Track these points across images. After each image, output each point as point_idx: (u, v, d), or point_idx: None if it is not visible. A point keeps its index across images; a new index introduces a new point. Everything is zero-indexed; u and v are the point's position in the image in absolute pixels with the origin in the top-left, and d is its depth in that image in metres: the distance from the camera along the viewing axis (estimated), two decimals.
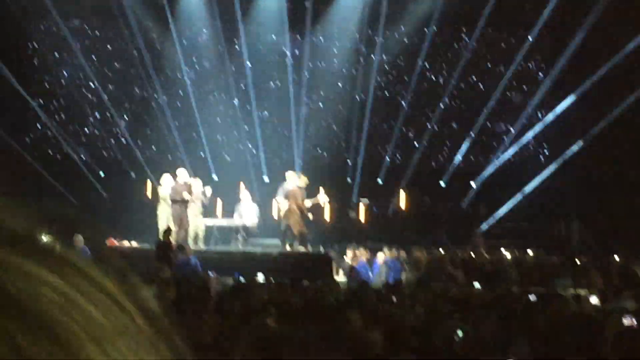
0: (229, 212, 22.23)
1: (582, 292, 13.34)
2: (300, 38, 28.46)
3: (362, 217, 26.35)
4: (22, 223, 0.71)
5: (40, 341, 0.61)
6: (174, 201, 20.01)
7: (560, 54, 25.77)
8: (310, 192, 21.04)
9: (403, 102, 28.52)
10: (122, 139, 28.38)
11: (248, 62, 27.94)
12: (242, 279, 14.21)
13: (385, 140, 28.79)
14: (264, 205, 21.96)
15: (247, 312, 8.74)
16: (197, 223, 20.63)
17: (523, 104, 27.94)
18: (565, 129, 26.54)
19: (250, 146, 28.35)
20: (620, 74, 24.13)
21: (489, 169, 27.71)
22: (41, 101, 28.22)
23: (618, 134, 24.41)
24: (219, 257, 19.03)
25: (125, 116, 28.79)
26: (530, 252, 22.03)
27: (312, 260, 19.24)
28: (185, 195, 20.07)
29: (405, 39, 28.47)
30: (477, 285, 14.19)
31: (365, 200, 26.37)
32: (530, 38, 27.01)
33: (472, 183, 27.74)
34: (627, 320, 7.57)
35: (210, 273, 15.82)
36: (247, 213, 21.46)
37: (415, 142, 28.82)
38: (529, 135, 27.87)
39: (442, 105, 28.39)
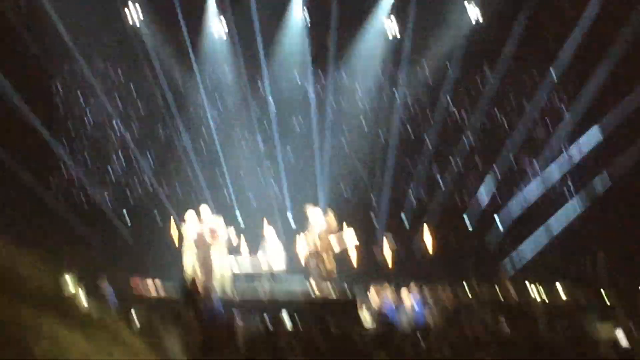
0: (253, 250, 22.16)
1: (608, 327, 13.22)
2: (323, 76, 28.56)
3: (387, 254, 26.29)
4: (49, 279, 0.73)
5: None
6: (198, 245, 19.97)
7: (585, 86, 25.72)
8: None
9: (427, 139, 28.57)
10: (147, 179, 28.45)
11: (271, 101, 28.06)
12: (268, 322, 14.14)
13: (410, 177, 28.79)
14: (289, 243, 21.81)
15: (273, 355, 8.74)
16: (222, 265, 20.47)
17: (547, 139, 27.95)
18: (590, 163, 26.44)
19: (274, 184, 28.38)
20: None
21: (514, 205, 27.63)
22: (64, 145, 28.38)
23: None
24: (245, 301, 18.97)
25: (149, 159, 28.89)
26: (556, 287, 21.91)
27: (339, 304, 19.11)
28: (209, 239, 20.00)
29: (428, 76, 28.52)
30: (504, 324, 14.13)
31: (390, 235, 26.33)
32: (553, 72, 27.04)
33: (497, 219, 27.67)
34: None
35: (236, 315, 15.80)
36: (272, 252, 21.32)
37: (439, 179, 28.82)
38: (553, 169, 27.77)
39: (466, 142, 28.45)
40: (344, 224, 21.17)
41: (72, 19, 25.74)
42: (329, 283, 20.04)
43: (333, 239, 20.28)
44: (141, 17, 26.90)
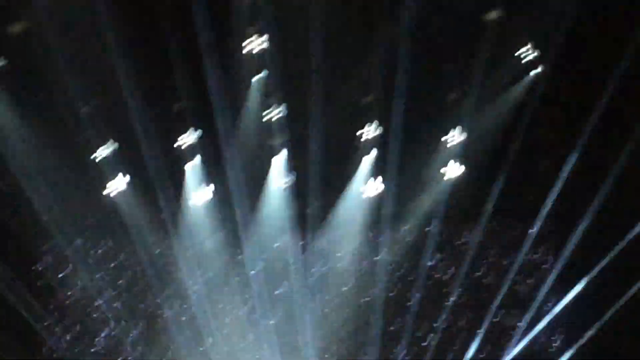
0: None
1: None
2: (302, 244, 28.47)
3: None
4: None
5: None
6: None
7: (568, 240, 25.82)
8: None
9: (409, 302, 28.39)
10: (131, 355, 27.84)
11: (252, 271, 27.87)
12: None
13: (398, 337, 28.46)
14: None
15: None
16: None
17: (531, 296, 27.91)
18: (578, 316, 26.32)
19: (257, 357, 27.90)
20: (631, 256, 24.20)
21: None
22: (45, 323, 27.85)
23: (633, 318, 24.32)
24: None
25: (130, 334, 28.37)
26: None
27: None
28: None
29: (408, 238, 28.55)
30: None
31: None
32: (534, 228, 27.22)
33: None
34: None
35: None
36: None
37: (424, 343, 28.50)
38: (540, 326, 27.60)
39: (450, 303, 28.30)
40: None
41: (51, 197, 25.78)
42: None
43: None
44: (120, 192, 26.85)
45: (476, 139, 27.23)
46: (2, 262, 25.18)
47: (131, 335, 28.38)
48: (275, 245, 28.48)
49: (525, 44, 27.05)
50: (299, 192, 27.45)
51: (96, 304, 27.97)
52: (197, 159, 27.46)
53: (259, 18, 26.81)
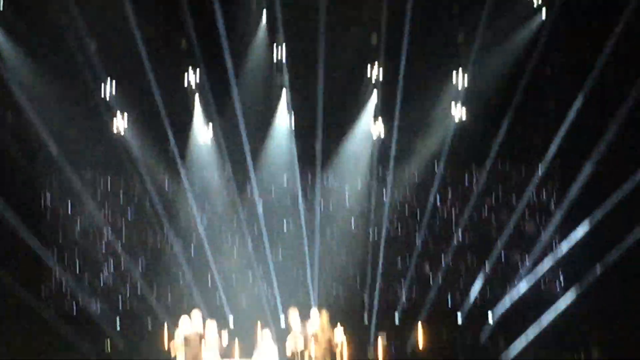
0: (247, 355, 21.96)
1: None
2: (311, 179, 28.69)
3: (380, 358, 26.11)
4: None
5: None
6: (188, 349, 19.70)
7: (573, 181, 25.83)
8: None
9: (416, 239, 28.62)
10: (137, 289, 28.26)
11: (260, 204, 28.13)
12: None
13: (401, 276, 28.75)
14: (281, 346, 21.44)
15: None
16: None
17: (537, 234, 28.05)
18: (582, 257, 26.39)
19: (265, 288, 28.20)
20: (633, 199, 24.20)
21: (506, 301, 27.54)
22: (54, 253, 28.33)
23: (636, 259, 24.35)
24: None
25: (139, 265, 28.77)
26: None
27: None
28: (199, 343, 19.76)
29: (416, 175, 28.69)
30: None
31: (383, 334, 26.18)
32: (541, 167, 27.30)
33: (490, 317, 27.54)
34: None
35: None
36: (266, 355, 21.10)
37: (430, 278, 28.76)
38: (545, 265, 27.72)
39: (455, 240, 28.55)
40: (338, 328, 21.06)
41: (59, 131, 26.02)
42: None
43: (325, 339, 20.05)
44: (128, 127, 27.04)
45: (483, 80, 27.13)
46: (10, 195, 25.56)
47: (138, 269, 28.92)
48: (283, 182, 28.72)
49: None
50: (306, 130, 27.51)
51: (103, 238, 28.45)
52: (205, 96, 27.54)
53: None
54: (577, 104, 25.16)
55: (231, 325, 25.45)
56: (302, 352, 20.06)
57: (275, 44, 27.48)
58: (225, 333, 20.80)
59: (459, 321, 28.06)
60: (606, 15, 24.52)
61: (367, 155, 28.21)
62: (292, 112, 27.59)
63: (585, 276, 25.89)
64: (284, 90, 27.66)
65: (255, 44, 27.59)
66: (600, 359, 24.49)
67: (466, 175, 29.18)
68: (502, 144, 26.98)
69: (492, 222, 29.03)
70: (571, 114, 25.32)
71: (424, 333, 26.94)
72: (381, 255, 28.28)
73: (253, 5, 27.35)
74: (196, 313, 20.37)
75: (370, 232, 28.56)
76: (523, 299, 27.59)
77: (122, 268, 28.39)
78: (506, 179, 29.11)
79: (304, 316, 20.52)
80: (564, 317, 26.19)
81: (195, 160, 28.18)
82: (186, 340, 19.52)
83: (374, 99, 27.70)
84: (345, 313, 26.43)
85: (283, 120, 27.76)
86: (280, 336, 22.58)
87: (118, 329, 27.89)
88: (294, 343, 20.15)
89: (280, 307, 27.33)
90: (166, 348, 22.58)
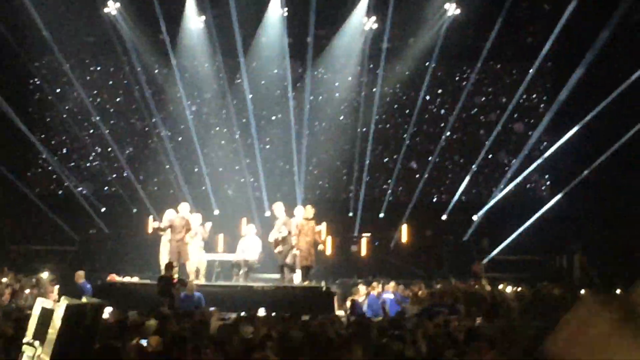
0: (230, 248, 22.12)
1: None
2: (301, 71, 28.52)
3: (363, 251, 26.33)
4: None
5: None
6: (173, 237, 19.78)
7: (564, 85, 25.70)
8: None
9: (405, 135, 28.59)
10: (124, 174, 28.34)
11: (249, 96, 27.98)
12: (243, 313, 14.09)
13: (388, 173, 28.86)
14: (266, 239, 21.53)
15: (247, 346, 8.70)
16: (198, 258, 20.39)
17: (526, 136, 28.06)
18: (568, 161, 26.44)
19: (252, 180, 28.27)
20: (623, 106, 24.11)
21: (491, 202, 27.69)
22: (42, 136, 28.33)
23: (621, 166, 24.37)
24: (219, 291, 18.85)
25: (126, 151, 28.79)
26: (532, 284, 21.87)
27: (314, 295, 19.03)
28: (184, 231, 19.81)
29: (407, 72, 28.48)
30: (478, 318, 14.13)
31: (368, 234, 26.44)
32: (532, 70, 27.13)
33: (474, 216, 27.71)
34: None
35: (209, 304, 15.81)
36: (249, 248, 21.25)
37: (417, 176, 28.85)
38: (532, 168, 27.79)
39: (444, 138, 28.54)
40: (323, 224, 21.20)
41: (50, 13, 25.61)
42: (301, 272, 19.90)
43: (310, 230, 20.04)
44: (120, 12, 26.67)
45: None
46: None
47: (127, 152, 28.87)
48: (274, 71, 28.51)
49: None
50: (299, 20, 27.19)
51: (93, 119, 28.33)
52: None
53: None
54: (570, 7, 24.78)
55: (216, 217, 25.41)
56: (284, 240, 20.07)
57: None
58: (208, 225, 20.84)
59: (444, 218, 28.22)
60: None
61: (358, 49, 27.93)
62: (285, 4, 27.17)
63: (571, 180, 25.95)
64: None
65: None
66: (582, 261, 24.65)
67: (457, 73, 29.10)
68: (495, 42, 26.65)
69: (481, 122, 29.03)
70: (565, 14, 24.96)
71: (408, 229, 27.11)
72: (369, 149, 28.25)
73: None
74: (185, 205, 20.34)
75: (359, 127, 28.47)
76: (509, 199, 27.69)
77: (109, 153, 28.38)
78: (497, 78, 29.05)
79: (290, 208, 20.54)
80: (547, 219, 26.32)
81: (186, 46, 27.88)
82: (172, 227, 19.57)
83: None
84: (331, 206, 26.68)
85: (276, 11, 27.34)
86: (265, 227, 22.67)
87: (103, 211, 28.07)
88: (278, 234, 20.19)
89: (266, 197, 27.39)
90: (150, 232, 22.89)
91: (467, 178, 28.30)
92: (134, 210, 27.79)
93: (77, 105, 28.39)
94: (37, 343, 5.35)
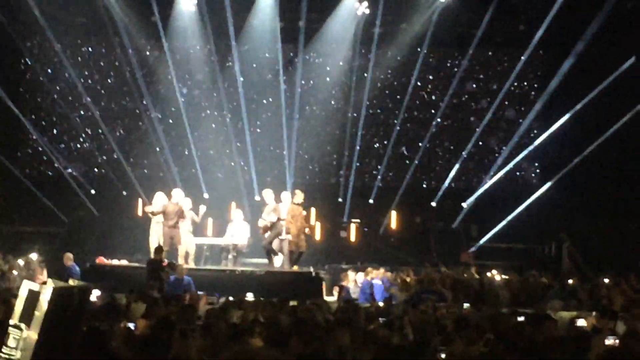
0: (219, 232, 22.10)
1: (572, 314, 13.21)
2: (293, 55, 28.45)
3: (352, 237, 26.37)
4: None
5: None
6: (166, 222, 19.72)
7: (555, 73, 25.71)
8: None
9: (395, 121, 28.56)
10: (114, 156, 28.20)
11: (241, 79, 27.89)
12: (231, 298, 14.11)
13: (377, 159, 28.85)
14: (255, 224, 21.47)
15: (234, 331, 8.69)
16: (187, 241, 20.34)
17: (516, 124, 28.08)
18: (558, 150, 26.49)
19: (242, 163, 28.21)
20: (613, 95, 24.15)
21: (481, 190, 27.73)
22: (32, 117, 28.23)
23: (611, 155, 24.43)
24: (208, 275, 18.82)
25: (116, 133, 28.70)
26: (520, 272, 21.93)
27: (302, 280, 19.02)
28: (177, 217, 19.75)
29: (399, 58, 28.42)
30: (466, 305, 14.16)
31: (357, 220, 26.48)
32: (523, 57, 27.12)
33: (464, 203, 27.74)
34: (610, 341, 7.66)
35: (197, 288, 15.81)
36: (238, 233, 21.24)
37: (407, 162, 28.84)
38: (522, 155, 27.81)
39: (434, 125, 28.52)
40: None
41: None
42: (292, 257, 19.88)
43: (299, 216, 20.00)
44: None
45: None
46: None
47: (117, 134, 28.80)
48: (266, 55, 28.41)
49: None
50: (291, 4, 27.06)
51: (83, 101, 28.18)
52: None
53: None
54: None
55: (206, 200, 25.36)
56: (273, 225, 20.02)
57: None
58: (202, 208, 20.73)
59: (433, 204, 28.23)
60: None
61: (350, 34, 27.84)
62: None
63: (561, 168, 25.99)
64: None
65: None
66: (570, 250, 24.70)
67: (449, 59, 29.09)
68: (486, 29, 26.61)
69: (471, 109, 29.04)
70: (557, 3, 24.91)
71: (397, 216, 27.15)
72: (359, 134, 28.24)
73: None
74: (178, 191, 20.23)
75: (350, 112, 28.45)
76: (498, 187, 27.73)
77: (99, 134, 28.29)
78: (489, 65, 29.04)
79: (279, 193, 20.48)
80: (536, 207, 26.38)
81: (177, 29, 27.74)
82: (165, 212, 19.50)
83: None
84: (321, 191, 26.66)
85: None
86: (255, 211, 22.64)
87: (93, 193, 28.02)
88: (266, 220, 20.15)
89: (255, 181, 27.37)
90: (140, 215, 22.83)
91: (457, 165, 28.30)
92: (124, 192, 27.67)
93: (67, 86, 28.23)
94: (23, 325, 5.33)
